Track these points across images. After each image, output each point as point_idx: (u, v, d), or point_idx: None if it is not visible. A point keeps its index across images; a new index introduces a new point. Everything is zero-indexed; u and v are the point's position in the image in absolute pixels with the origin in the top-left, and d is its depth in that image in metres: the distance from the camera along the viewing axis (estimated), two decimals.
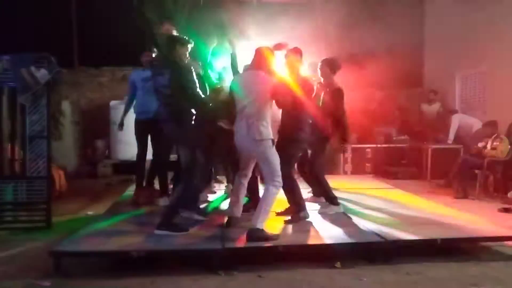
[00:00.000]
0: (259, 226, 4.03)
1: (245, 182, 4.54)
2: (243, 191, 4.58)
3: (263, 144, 4.17)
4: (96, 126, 9.76)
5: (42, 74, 5.05)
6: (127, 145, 8.70)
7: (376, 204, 5.69)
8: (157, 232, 4.22)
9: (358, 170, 9.12)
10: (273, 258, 3.93)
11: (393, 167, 9.11)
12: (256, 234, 4.00)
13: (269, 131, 4.21)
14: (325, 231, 4.39)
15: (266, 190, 4.21)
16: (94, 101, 10.22)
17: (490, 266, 3.91)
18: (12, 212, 5.27)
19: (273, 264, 3.86)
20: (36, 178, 5.16)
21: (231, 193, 4.69)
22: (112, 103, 9.32)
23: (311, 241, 4.12)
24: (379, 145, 9.40)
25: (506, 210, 6.00)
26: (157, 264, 3.85)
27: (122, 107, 8.81)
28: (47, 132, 5.18)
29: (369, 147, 9.30)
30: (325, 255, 3.99)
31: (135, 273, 3.71)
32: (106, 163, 9.36)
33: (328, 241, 4.11)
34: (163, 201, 5.47)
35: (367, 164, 9.24)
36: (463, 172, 7.16)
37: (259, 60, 4.36)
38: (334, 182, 6.70)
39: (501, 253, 4.25)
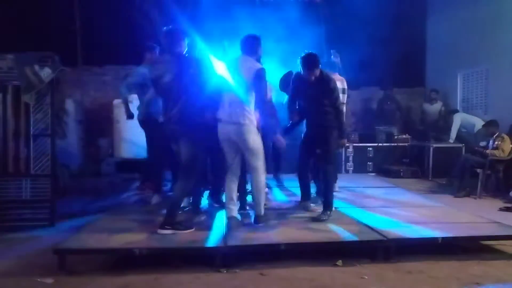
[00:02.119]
0: (262, 212, 4.46)
1: (236, 180, 4.56)
2: (235, 189, 4.57)
3: (247, 129, 4.23)
4: (100, 124, 9.81)
5: (46, 72, 5.08)
6: (130, 144, 8.76)
7: (377, 203, 5.72)
8: (161, 232, 4.20)
9: (359, 168, 9.14)
10: (275, 256, 3.95)
11: (394, 166, 9.12)
12: (263, 218, 4.47)
13: (254, 117, 4.30)
14: (327, 229, 4.41)
15: (254, 180, 4.40)
16: (97, 99, 10.26)
17: (491, 265, 3.92)
18: (16, 209, 5.29)
19: (275, 262, 3.88)
20: (40, 176, 5.19)
21: (225, 195, 4.68)
22: (116, 101, 9.34)
23: (313, 239, 4.14)
24: (380, 144, 9.42)
25: (507, 209, 6.01)
26: (160, 262, 3.87)
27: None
28: (51, 131, 5.22)
29: (370, 146, 9.31)
30: (326, 253, 4.01)
31: (139, 270, 3.74)
32: (110, 161, 9.39)
33: (329, 239, 4.14)
34: (156, 199, 5.54)
35: (368, 163, 9.27)
36: (464, 171, 7.16)
37: (250, 46, 4.43)
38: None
39: (502, 252, 4.27)
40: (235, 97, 4.29)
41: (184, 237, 4.13)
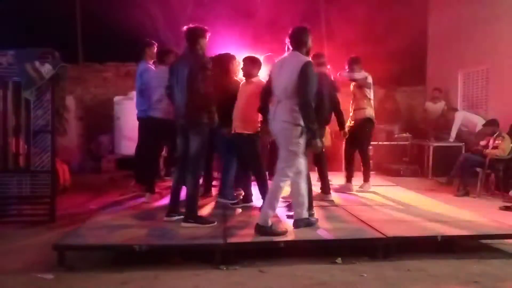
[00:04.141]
0: (267, 223, 4.05)
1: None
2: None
3: (288, 128, 4.04)
4: (100, 121, 9.80)
5: (46, 69, 5.08)
6: (130, 141, 8.73)
7: (377, 201, 5.72)
8: (184, 225, 4.33)
9: (360, 167, 9.10)
10: (275, 253, 3.96)
11: (395, 164, 9.11)
12: (264, 231, 4.03)
13: (298, 116, 4.01)
14: (326, 227, 4.40)
15: (274, 184, 4.15)
16: (98, 96, 10.25)
17: (490, 263, 3.92)
18: (16, 206, 5.31)
19: (274, 259, 3.88)
20: (41, 172, 5.19)
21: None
22: (116, 98, 9.36)
23: (312, 236, 4.14)
24: (381, 143, 9.40)
25: (507, 208, 6.01)
26: (160, 258, 3.88)
27: (126, 103, 8.90)
28: (52, 127, 5.22)
29: (371, 144, 9.27)
30: (326, 251, 4.02)
31: (139, 267, 3.74)
32: (110, 158, 9.39)
33: (329, 237, 4.14)
34: (148, 198, 5.60)
35: None
36: (464, 170, 7.16)
37: (295, 40, 4.18)
38: (336, 179, 6.75)
39: (501, 251, 4.27)
40: (281, 95, 4.11)
41: (185, 233, 4.14)
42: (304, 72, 3.97)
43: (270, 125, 4.27)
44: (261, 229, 4.04)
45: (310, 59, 4.17)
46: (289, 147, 4.05)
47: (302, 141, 4.05)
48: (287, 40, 4.21)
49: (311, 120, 3.99)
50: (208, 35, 4.54)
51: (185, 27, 4.52)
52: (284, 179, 4.11)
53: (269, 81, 4.38)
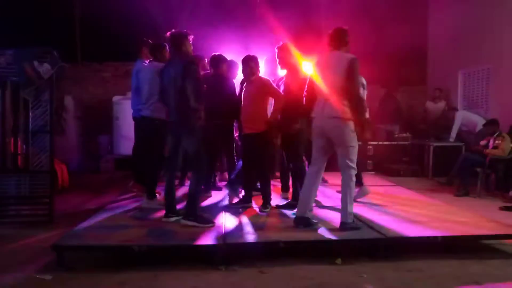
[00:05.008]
0: (349, 219, 4.23)
1: (317, 179, 4.45)
2: (315, 190, 4.48)
3: (341, 124, 4.16)
4: (99, 121, 9.79)
5: (45, 68, 5.06)
6: (129, 141, 8.72)
7: (377, 201, 5.69)
8: (184, 222, 4.35)
9: (359, 167, 9.09)
10: (275, 254, 3.94)
11: (395, 164, 9.10)
12: (347, 227, 4.21)
13: (348, 110, 4.16)
14: (326, 227, 4.39)
15: (343, 182, 4.26)
16: (97, 96, 10.24)
17: (491, 264, 3.91)
18: (15, 206, 5.28)
19: (274, 260, 3.87)
20: (39, 173, 5.18)
21: (301, 192, 4.57)
22: (115, 98, 9.34)
23: (312, 237, 4.12)
24: (381, 142, 9.39)
25: (507, 208, 6.01)
26: (159, 259, 3.87)
27: (125, 102, 8.89)
28: (50, 127, 5.20)
29: (371, 144, 9.27)
30: (326, 252, 4.00)
31: (138, 267, 3.73)
32: (109, 158, 9.38)
33: (329, 237, 4.12)
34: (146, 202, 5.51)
35: (368, 161, 9.23)
36: (464, 170, 7.15)
37: (336, 40, 4.37)
38: (335, 178, 6.74)
39: (501, 251, 4.26)
40: (329, 92, 4.24)
41: (184, 234, 4.12)
42: (352, 67, 4.17)
43: (317, 123, 4.36)
44: (345, 225, 4.21)
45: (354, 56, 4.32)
46: (349, 144, 4.21)
47: (355, 134, 4.21)
48: (328, 40, 4.41)
49: (363, 112, 4.25)
50: (191, 38, 4.59)
51: (168, 33, 4.58)
52: (352, 173, 4.27)
53: (311, 81, 4.49)
